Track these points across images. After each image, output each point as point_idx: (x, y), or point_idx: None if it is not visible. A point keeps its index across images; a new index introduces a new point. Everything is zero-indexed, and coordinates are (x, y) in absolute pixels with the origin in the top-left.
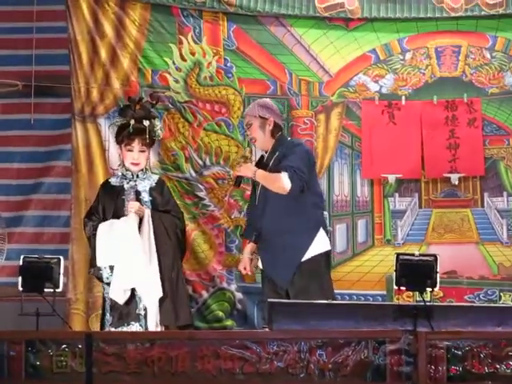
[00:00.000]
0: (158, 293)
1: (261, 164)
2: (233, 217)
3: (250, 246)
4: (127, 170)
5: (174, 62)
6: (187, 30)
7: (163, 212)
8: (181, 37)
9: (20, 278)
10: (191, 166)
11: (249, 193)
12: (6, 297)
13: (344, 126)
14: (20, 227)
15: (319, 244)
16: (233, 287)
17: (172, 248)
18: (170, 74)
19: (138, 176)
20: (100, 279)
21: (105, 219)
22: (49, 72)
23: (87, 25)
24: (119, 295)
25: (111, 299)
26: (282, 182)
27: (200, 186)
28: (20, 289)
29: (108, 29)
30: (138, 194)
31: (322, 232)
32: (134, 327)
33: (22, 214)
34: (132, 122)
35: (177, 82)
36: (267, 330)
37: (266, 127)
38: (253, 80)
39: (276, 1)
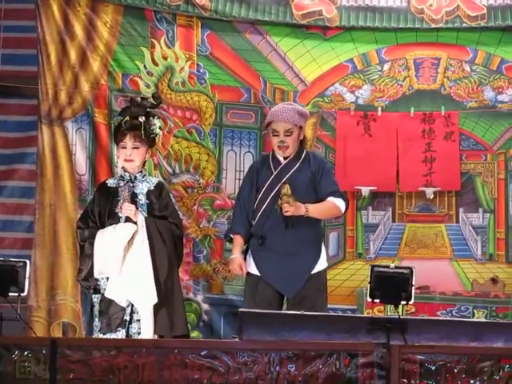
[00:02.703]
0: (153, 299)
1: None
2: (201, 226)
3: (241, 244)
4: (125, 171)
5: (145, 66)
6: (160, 33)
7: (160, 217)
8: (153, 40)
9: None
10: (160, 173)
11: (219, 202)
12: None
13: (318, 137)
14: None
15: (324, 258)
16: (199, 298)
17: (167, 255)
18: (141, 78)
19: (136, 178)
20: (96, 290)
21: (101, 222)
22: (15, 72)
23: (57, 25)
24: (119, 297)
25: (100, 305)
26: (339, 209)
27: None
28: None
29: (78, 30)
30: (134, 196)
31: (323, 246)
32: (121, 333)
33: None
34: (127, 118)
35: (148, 86)
36: (237, 339)
37: (300, 136)
38: (226, 87)
39: (252, 7)
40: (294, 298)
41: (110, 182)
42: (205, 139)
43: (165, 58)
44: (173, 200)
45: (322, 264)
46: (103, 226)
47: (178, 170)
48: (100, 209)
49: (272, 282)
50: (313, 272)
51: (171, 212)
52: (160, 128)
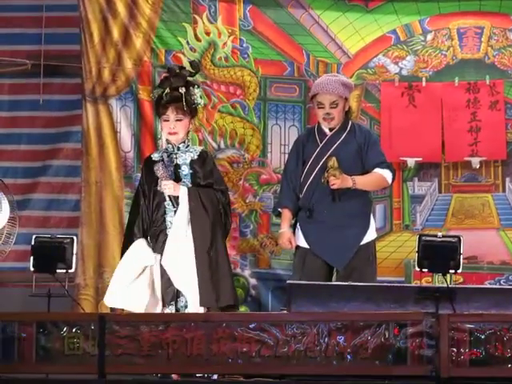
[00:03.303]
0: (188, 272)
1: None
2: (247, 201)
3: (289, 218)
4: (168, 143)
5: (188, 42)
6: (202, 9)
7: (205, 186)
8: (195, 16)
9: (32, 259)
10: None
11: (264, 176)
12: (14, 282)
13: (362, 109)
14: (27, 210)
15: (373, 229)
16: (247, 273)
17: (210, 225)
18: (183, 54)
19: (179, 148)
20: None
21: (148, 200)
22: (59, 51)
23: (99, 3)
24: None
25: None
26: (386, 180)
27: None
28: (32, 269)
29: (120, 7)
30: (177, 167)
31: (372, 217)
32: (173, 308)
33: (29, 197)
34: (167, 90)
35: None
36: (285, 311)
37: (346, 107)
38: (269, 61)
39: None
40: (343, 269)
41: (155, 156)
42: (249, 114)
43: (207, 34)
44: (218, 167)
45: (370, 235)
46: (150, 204)
47: (223, 146)
48: (146, 186)
49: (321, 253)
50: (362, 243)
51: (216, 179)
52: (201, 97)
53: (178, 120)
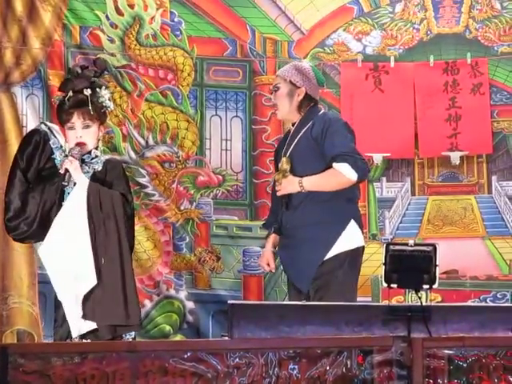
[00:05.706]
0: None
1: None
2: (182, 208)
3: (272, 238)
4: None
5: (107, 17)
6: None
7: None
8: None
9: None
10: (130, 146)
11: (202, 178)
12: None
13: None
14: None
15: (348, 238)
16: (182, 295)
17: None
18: (103, 31)
19: (83, 161)
20: None
21: None
22: None
23: None
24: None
25: None
26: (345, 177)
27: (141, 170)
28: None
29: None
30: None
31: (353, 224)
32: None
33: None
34: (70, 93)
35: (112, 41)
36: (226, 338)
37: (295, 97)
38: (206, 39)
39: None
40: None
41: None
42: (183, 103)
43: (131, 6)
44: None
45: (342, 245)
46: None
47: (151, 142)
48: None
49: (287, 273)
50: (327, 257)
51: (123, 188)
52: (110, 99)
53: (85, 127)
